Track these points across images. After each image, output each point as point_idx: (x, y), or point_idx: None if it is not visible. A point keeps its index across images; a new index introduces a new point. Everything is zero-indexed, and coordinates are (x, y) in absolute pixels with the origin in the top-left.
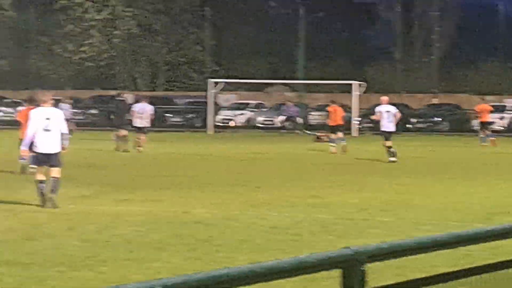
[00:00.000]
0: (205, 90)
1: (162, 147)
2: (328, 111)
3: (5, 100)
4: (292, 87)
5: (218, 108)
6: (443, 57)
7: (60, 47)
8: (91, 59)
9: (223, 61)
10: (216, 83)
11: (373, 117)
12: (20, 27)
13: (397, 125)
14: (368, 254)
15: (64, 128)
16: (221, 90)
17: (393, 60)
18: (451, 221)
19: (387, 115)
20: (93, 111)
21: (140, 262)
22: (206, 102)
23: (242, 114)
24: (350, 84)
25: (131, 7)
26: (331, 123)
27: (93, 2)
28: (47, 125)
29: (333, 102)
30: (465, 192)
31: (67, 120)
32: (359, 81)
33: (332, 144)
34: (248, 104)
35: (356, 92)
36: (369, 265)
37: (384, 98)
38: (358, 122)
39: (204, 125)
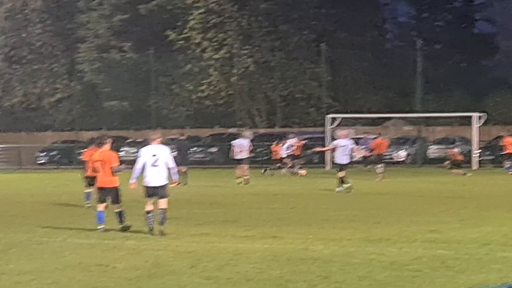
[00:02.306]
0: (322, 126)
1: (279, 184)
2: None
3: (127, 141)
4: (410, 121)
5: None
6: None
7: (179, 87)
8: (209, 98)
9: (340, 96)
10: (334, 118)
11: (318, 150)
12: (141, 68)
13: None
14: None
15: (171, 163)
16: (337, 125)
17: None
18: None
19: (342, 149)
20: (213, 149)
21: None
22: (324, 138)
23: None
24: (470, 116)
25: (248, 45)
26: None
27: (210, 41)
28: (154, 161)
29: (379, 134)
30: None
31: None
32: (479, 112)
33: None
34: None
35: (476, 124)
36: None
37: (342, 133)
38: (478, 155)
39: (322, 161)
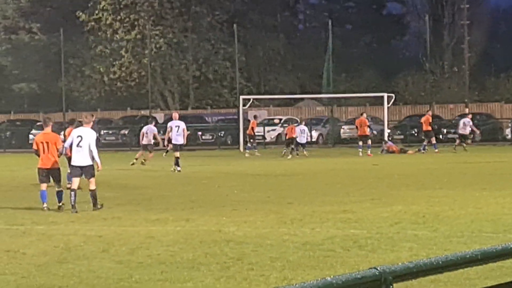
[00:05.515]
0: (236, 107)
1: (194, 166)
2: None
3: (38, 123)
4: (322, 101)
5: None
6: (474, 66)
7: (91, 69)
8: (121, 80)
9: (253, 77)
10: (247, 99)
11: (165, 136)
12: (50, 49)
13: (187, 139)
14: (395, 274)
15: (93, 147)
16: (250, 106)
17: (424, 71)
18: (484, 233)
19: (176, 129)
20: (124, 132)
21: (173, 282)
22: (237, 119)
23: (273, 130)
24: (381, 96)
25: (160, 25)
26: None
27: (122, 22)
28: (78, 142)
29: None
30: (498, 203)
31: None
32: (389, 92)
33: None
34: (280, 119)
35: (386, 104)
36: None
37: (175, 115)
38: (389, 134)
39: (235, 142)
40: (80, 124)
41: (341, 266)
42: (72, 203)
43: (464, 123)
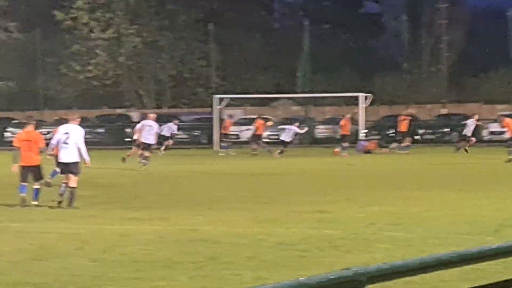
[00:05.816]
0: (211, 106)
1: (168, 165)
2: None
3: (13, 121)
4: (297, 101)
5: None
6: (452, 66)
7: (67, 67)
8: (97, 78)
9: (229, 75)
10: (221, 99)
11: (135, 134)
12: (27, 48)
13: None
14: (369, 275)
15: (81, 143)
16: (226, 105)
17: (401, 71)
18: (460, 234)
19: (148, 128)
20: (100, 130)
21: (148, 280)
22: (212, 118)
23: (248, 129)
24: (357, 96)
25: (135, 24)
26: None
27: (98, 21)
28: (66, 138)
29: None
30: (475, 204)
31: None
32: (366, 92)
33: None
34: (254, 119)
35: (362, 104)
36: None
37: (151, 116)
38: (365, 135)
39: (210, 142)
40: (66, 121)
41: (315, 267)
42: (61, 193)
43: (467, 124)
